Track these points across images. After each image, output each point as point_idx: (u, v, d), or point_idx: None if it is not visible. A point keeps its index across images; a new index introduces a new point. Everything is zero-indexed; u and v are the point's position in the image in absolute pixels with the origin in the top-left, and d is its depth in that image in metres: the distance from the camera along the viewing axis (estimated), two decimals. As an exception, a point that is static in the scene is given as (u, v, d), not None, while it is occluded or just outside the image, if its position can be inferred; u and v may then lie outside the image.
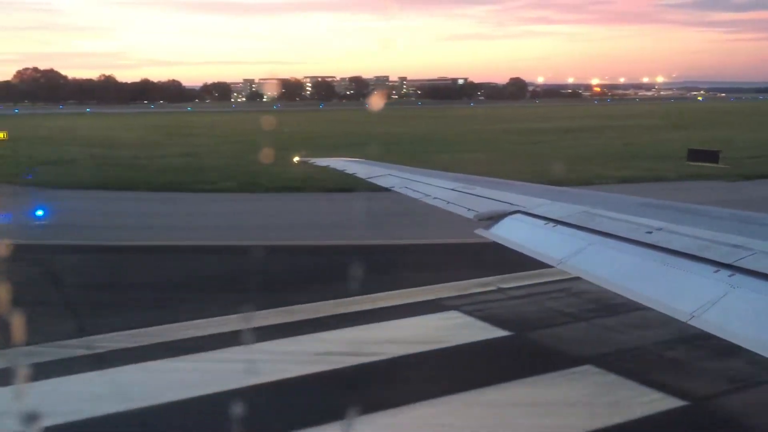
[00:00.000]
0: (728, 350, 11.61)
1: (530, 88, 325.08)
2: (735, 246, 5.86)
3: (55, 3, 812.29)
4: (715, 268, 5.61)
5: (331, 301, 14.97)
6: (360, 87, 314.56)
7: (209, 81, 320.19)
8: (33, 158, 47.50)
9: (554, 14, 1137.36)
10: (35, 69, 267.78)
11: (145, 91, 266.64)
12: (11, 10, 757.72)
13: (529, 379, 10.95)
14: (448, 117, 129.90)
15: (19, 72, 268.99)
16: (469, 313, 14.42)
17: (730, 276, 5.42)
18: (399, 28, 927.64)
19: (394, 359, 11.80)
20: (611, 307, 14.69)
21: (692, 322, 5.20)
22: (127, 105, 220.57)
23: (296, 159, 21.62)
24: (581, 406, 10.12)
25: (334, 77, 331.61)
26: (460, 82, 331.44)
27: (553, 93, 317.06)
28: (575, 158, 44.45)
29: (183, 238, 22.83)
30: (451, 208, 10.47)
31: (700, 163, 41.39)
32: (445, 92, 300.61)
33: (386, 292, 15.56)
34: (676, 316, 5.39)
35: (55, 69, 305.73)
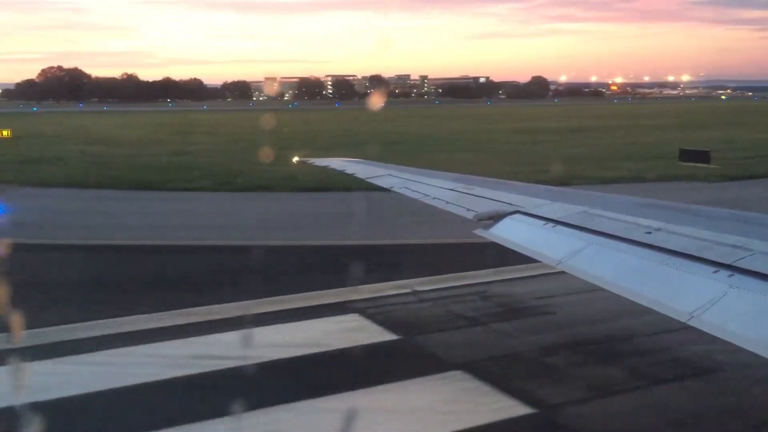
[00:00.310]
0: (611, 356, 11.90)
1: (552, 87, 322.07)
2: (734, 246, 5.86)
3: (83, 2, 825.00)
4: (715, 269, 5.61)
5: (232, 304, 14.55)
6: (379, 86, 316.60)
7: (231, 79, 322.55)
8: (23, 156, 47.96)
9: (579, 12, 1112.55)
10: (59, 68, 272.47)
11: (166, 90, 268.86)
12: (41, 10, 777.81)
13: (394, 384, 10.67)
14: (458, 116, 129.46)
15: (43, 71, 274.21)
16: (369, 317, 14.06)
17: (729, 276, 5.42)
18: (424, 26, 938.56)
19: (266, 363, 11.27)
20: (516, 311, 14.64)
21: (691, 323, 5.19)
22: (148, 103, 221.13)
23: (295, 159, 21.63)
24: (430, 413, 9.90)
25: (355, 76, 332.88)
26: (482, 80, 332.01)
27: (576, 92, 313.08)
28: (566, 158, 44.14)
29: (109, 237, 22.37)
30: (450, 208, 10.46)
31: (691, 164, 40.82)
32: (465, 91, 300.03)
33: (293, 295, 15.17)
34: (676, 317, 5.39)
35: (81, 68, 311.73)
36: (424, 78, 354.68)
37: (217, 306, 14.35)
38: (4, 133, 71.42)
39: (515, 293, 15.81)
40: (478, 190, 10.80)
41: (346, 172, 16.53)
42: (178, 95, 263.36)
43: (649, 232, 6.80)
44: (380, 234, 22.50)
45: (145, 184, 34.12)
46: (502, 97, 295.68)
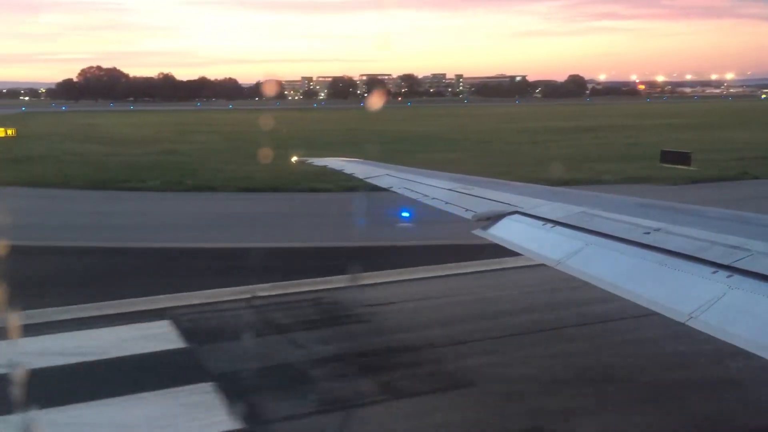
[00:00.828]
0: (380, 368, 11.65)
1: (591, 86, 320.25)
2: (733, 247, 5.85)
3: (127, 3, 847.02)
4: (714, 269, 5.61)
5: (52, 309, 14.27)
6: (412, 84, 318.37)
7: (266, 78, 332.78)
8: (8, 155, 48.95)
9: (624, 9, 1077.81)
10: (98, 68, 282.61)
11: (201, 89, 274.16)
12: (88, 11, 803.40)
13: (130, 396, 10.45)
14: (477, 114, 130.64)
15: (83, 70, 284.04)
16: (179, 324, 13.80)
17: (728, 277, 5.41)
18: (466, 25, 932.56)
19: (33, 371, 10.58)
20: (334, 319, 14.54)
21: (690, 323, 5.18)
22: (181, 102, 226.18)
23: (294, 159, 21.69)
24: (135, 428, 9.76)
25: (390, 75, 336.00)
26: (518, 79, 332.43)
27: (614, 91, 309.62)
28: (549, 158, 44.23)
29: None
30: (449, 208, 10.43)
31: (672, 165, 40.41)
32: (498, 90, 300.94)
33: (114, 301, 14.93)
34: (675, 317, 5.38)
35: (120, 68, 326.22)
36: (459, 77, 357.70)
37: (33, 311, 13.75)
38: (9, 132, 73.40)
39: (349, 300, 15.73)
40: (476, 191, 10.79)
41: (345, 171, 16.53)
42: (213, 94, 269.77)
43: (648, 233, 6.79)
44: (280, 237, 22.48)
45: (99, 184, 34.83)
46: (538, 96, 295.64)
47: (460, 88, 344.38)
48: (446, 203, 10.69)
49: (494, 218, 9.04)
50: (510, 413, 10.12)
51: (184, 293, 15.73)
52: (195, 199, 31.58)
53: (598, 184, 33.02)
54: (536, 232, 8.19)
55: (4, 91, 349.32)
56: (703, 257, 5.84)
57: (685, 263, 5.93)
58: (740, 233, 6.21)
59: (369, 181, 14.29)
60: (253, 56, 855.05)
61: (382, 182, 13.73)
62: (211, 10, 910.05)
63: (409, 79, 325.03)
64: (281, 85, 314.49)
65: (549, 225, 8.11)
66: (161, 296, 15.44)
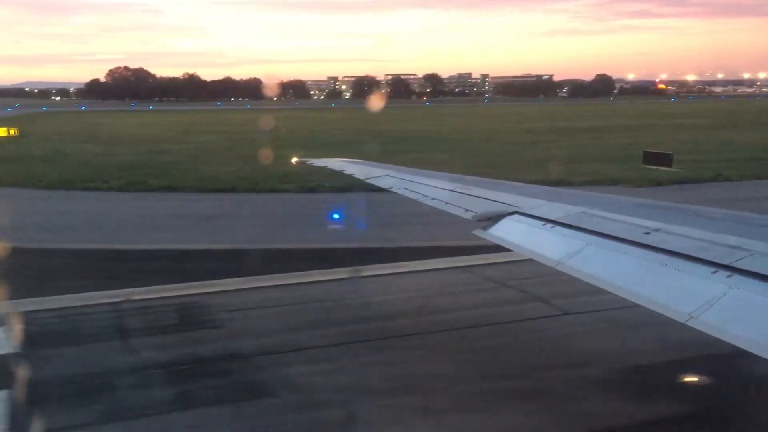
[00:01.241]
0: (185, 378, 11.47)
1: (619, 85, 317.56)
2: (733, 247, 5.84)
3: (159, 4, 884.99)
4: (713, 269, 5.59)
5: None
6: (435, 84, 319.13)
7: (289, 79, 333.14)
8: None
9: (655, 7, 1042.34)
10: (126, 68, 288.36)
11: (226, 89, 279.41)
12: (119, 12, 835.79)
13: None
14: (491, 114, 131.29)
15: (110, 71, 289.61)
16: (28, 328, 13.47)
17: (728, 277, 5.39)
18: (494, 24, 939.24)
19: None
20: (187, 324, 14.47)
21: (690, 323, 5.17)
22: (203, 102, 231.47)
23: (294, 159, 21.75)
24: None
25: (415, 75, 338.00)
26: (545, 78, 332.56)
27: (643, 90, 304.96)
28: (535, 159, 44.34)
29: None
30: (449, 209, 10.43)
31: (654, 167, 40.07)
32: (522, 89, 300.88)
33: None
34: (675, 317, 5.36)
35: (150, 68, 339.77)
36: (485, 76, 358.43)
37: None
38: (11, 131, 74.76)
39: (215, 305, 15.65)
40: (476, 191, 10.78)
41: (345, 172, 16.54)
42: (238, 94, 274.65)
43: (648, 233, 6.78)
44: (198, 239, 22.53)
45: (64, 184, 35.38)
46: (564, 95, 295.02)
47: (486, 87, 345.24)
48: (446, 203, 10.69)
49: (494, 218, 9.02)
50: (288, 426, 10.01)
51: (54, 297, 15.49)
52: (146, 200, 32.07)
53: (568, 186, 32.29)
54: (536, 232, 8.18)
55: (36, 90, 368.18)
56: (703, 257, 5.82)
57: (685, 263, 5.91)
58: (740, 233, 6.20)
59: (369, 181, 14.29)
60: (282, 56, 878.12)
61: (382, 183, 13.72)
62: (241, 10, 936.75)
63: (432, 79, 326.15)
64: (305, 85, 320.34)
65: (549, 225, 8.10)
66: (26, 300, 15.09)
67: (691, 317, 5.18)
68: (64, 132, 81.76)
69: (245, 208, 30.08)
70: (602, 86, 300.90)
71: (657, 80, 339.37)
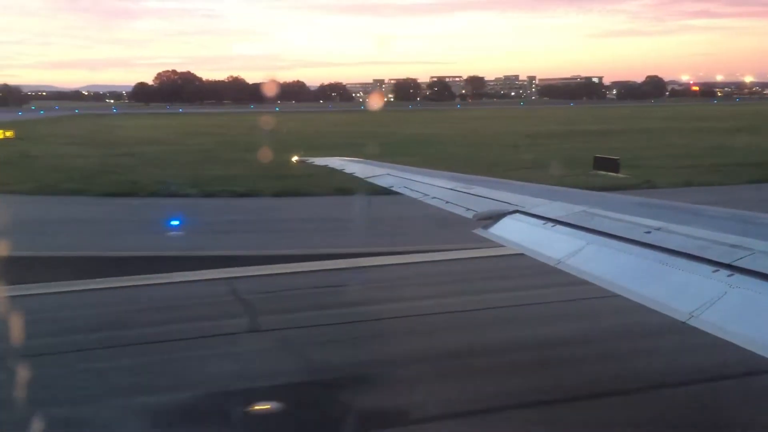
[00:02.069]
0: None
1: (671, 87, 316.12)
2: (734, 246, 5.82)
3: (219, 9, 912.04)
4: (714, 268, 5.57)
5: None
6: (477, 86, 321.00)
7: (329, 82, 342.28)
8: None
9: (717, 7, 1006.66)
10: (173, 71, 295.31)
11: (268, 91, 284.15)
12: (181, 16, 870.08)
13: None
14: (511, 117, 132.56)
15: (158, 74, 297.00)
16: None
17: (729, 276, 5.37)
18: (550, 25, 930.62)
19: None
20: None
21: (691, 322, 5.16)
22: (240, 105, 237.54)
23: (294, 159, 21.80)
24: None
25: (461, 77, 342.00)
26: (594, 80, 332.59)
27: (697, 92, 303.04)
28: (494, 163, 43.97)
29: None
30: (449, 207, 10.44)
31: (602, 172, 39.65)
32: (565, 91, 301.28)
33: None
34: (675, 316, 5.35)
35: (208, 71, 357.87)
36: (531, 79, 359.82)
37: None
38: (7, 133, 75.43)
39: (43, 308, 15.59)
40: (477, 190, 10.80)
41: (345, 171, 16.57)
42: (280, 97, 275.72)
43: (649, 232, 6.77)
44: (34, 245, 22.06)
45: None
46: (612, 97, 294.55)
47: (533, 89, 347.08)
48: (447, 202, 10.69)
49: (495, 218, 9.02)
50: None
51: None
52: (36, 203, 32.07)
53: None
54: (537, 231, 8.17)
55: (86, 93, 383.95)
56: (704, 256, 5.81)
57: (686, 262, 5.89)
58: (741, 232, 6.20)
59: (370, 180, 14.31)
60: (343, 59, 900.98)
61: (382, 182, 13.75)
62: (299, 15, 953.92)
63: (474, 81, 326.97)
64: (346, 88, 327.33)
65: (550, 224, 8.10)
66: None
67: (692, 316, 5.17)
68: (65, 135, 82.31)
69: (128, 213, 29.94)
70: (652, 88, 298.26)
71: (691, 82, 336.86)
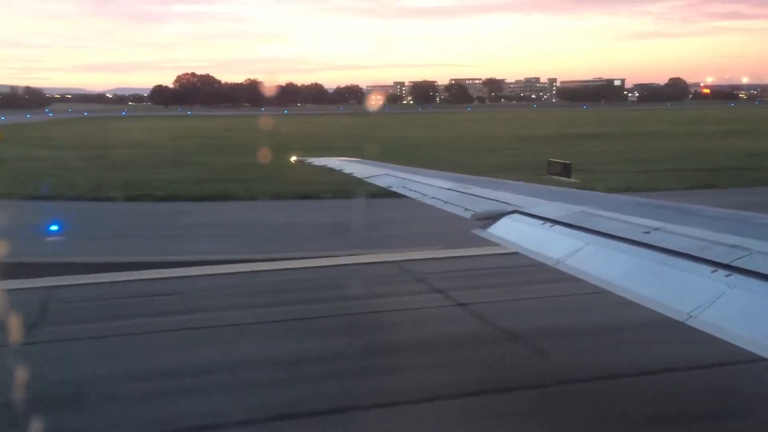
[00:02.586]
0: None
1: (693, 90, 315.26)
2: (733, 246, 5.83)
3: (248, 13, 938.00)
4: (713, 268, 5.57)
5: None
6: (495, 89, 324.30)
7: (347, 84, 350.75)
8: None
9: (747, 8, 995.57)
10: (193, 74, 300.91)
11: (286, 94, 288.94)
12: (209, 20, 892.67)
13: None
14: (508, 120, 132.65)
15: (178, 77, 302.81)
16: None
17: (727, 276, 5.37)
18: (575, 28, 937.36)
19: None
20: None
21: (690, 323, 5.16)
22: (256, 108, 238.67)
23: (293, 158, 21.82)
24: None
25: (481, 79, 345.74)
26: (616, 83, 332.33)
27: (720, 94, 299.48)
28: (456, 167, 42.37)
29: None
30: (448, 208, 10.45)
31: (556, 177, 38.63)
32: (582, 94, 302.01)
33: None
34: (674, 317, 5.36)
35: (232, 74, 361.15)
36: (552, 81, 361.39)
37: None
38: None
39: None
40: (476, 190, 10.80)
41: (344, 171, 16.55)
42: (299, 99, 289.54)
43: (648, 232, 6.77)
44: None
45: None
46: (633, 99, 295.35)
47: (553, 91, 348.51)
48: (445, 203, 10.70)
49: (493, 218, 9.02)
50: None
51: None
52: None
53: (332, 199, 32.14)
54: (536, 231, 8.18)
55: (110, 96, 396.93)
56: (703, 256, 5.81)
57: (685, 262, 5.90)
58: (740, 232, 6.20)
59: (368, 180, 14.32)
60: (367, 62, 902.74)
61: (381, 182, 13.78)
62: (326, 18, 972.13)
63: (491, 83, 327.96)
64: (361, 90, 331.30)
65: (548, 224, 8.10)
66: None
67: (690, 316, 5.17)
68: (51, 137, 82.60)
69: (33, 218, 27.97)
70: (675, 90, 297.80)
71: (701, 84, 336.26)
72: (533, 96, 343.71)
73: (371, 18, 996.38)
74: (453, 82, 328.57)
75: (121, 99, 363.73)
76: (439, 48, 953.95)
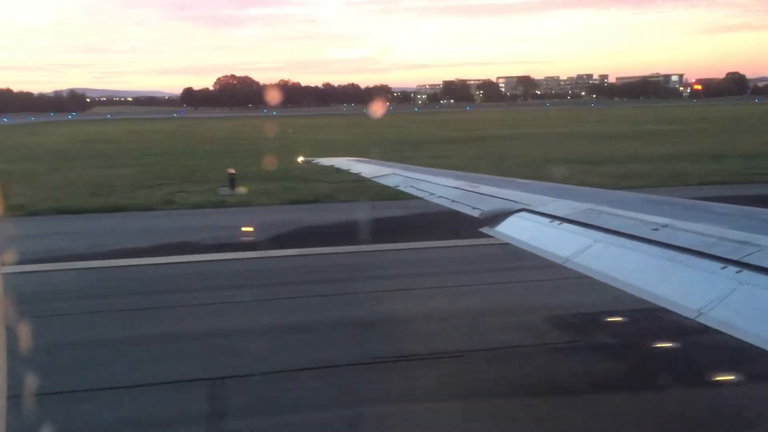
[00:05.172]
0: None
1: (753, 84, 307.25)
2: (742, 242, 5.80)
3: (320, 15, 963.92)
4: (723, 265, 5.54)
5: None
6: (527, 87, 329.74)
7: (380, 83, 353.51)
8: None
9: None
10: (232, 76, 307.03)
11: (324, 94, 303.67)
12: (283, 23, 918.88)
13: None
14: (526, 119, 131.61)
15: (218, 79, 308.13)
16: None
17: (737, 272, 5.35)
18: (654, 22, 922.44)
19: None
20: None
21: (700, 319, 5.14)
22: (286, 108, 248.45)
23: (300, 159, 21.86)
24: None
25: (528, 76, 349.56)
26: (674, 78, 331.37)
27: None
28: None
29: None
30: (455, 206, 10.44)
31: (226, 188, 35.06)
32: (625, 90, 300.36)
33: None
34: (684, 313, 5.34)
35: (307, 76, 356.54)
36: (604, 78, 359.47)
37: None
38: None
39: None
40: (483, 188, 10.80)
41: (351, 171, 16.57)
42: (335, 100, 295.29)
43: (656, 229, 6.74)
44: None
45: None
46: (685, 95, 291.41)
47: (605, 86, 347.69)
48: (452, 201, 10.69)
49: (501, 216, 9.02)
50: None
51: None
52: None
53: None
54: (543, 229, 8.16)
55: (166, 98, 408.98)
56: (712, 253, 5.78)
57: (694, 259, 5.87)
58: (749, 228, 6.17)
59: (376, 180, 14.33)
60: (436, 61, 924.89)
61: (388, 181, 13.79)
62: (398, 18, 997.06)
63: (524, 82, 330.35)
64: (390, 90, 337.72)
65: (556, 222, 8.08)
66: None
67: (701, 313, 5.15)
68: (57, 142, 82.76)
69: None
70: (732, 85, 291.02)
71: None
72: (582, 93, 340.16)
73: (441, 17, 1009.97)
74: (502, 79, 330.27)
75: (174, 102, 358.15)
76: (510, 46, 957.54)
